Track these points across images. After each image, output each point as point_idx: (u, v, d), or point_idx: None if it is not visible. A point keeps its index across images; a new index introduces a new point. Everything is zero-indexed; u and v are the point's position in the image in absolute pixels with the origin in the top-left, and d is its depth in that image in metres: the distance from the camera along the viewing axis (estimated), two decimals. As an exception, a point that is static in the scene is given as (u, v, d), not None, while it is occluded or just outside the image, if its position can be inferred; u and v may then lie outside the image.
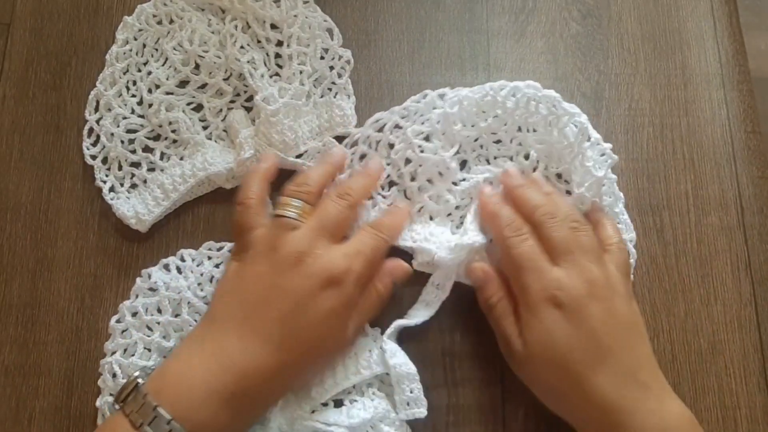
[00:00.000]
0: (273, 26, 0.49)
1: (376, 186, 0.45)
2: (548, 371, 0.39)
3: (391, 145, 0.47)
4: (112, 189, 0.47)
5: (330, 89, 0.49)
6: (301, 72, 0.48)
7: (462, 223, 0.45)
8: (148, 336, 0.43)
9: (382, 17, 0.52)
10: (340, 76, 0.49)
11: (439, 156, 0.45)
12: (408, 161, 0.46)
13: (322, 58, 0.49)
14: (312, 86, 0.48)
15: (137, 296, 0.44)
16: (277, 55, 0.49)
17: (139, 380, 0.36)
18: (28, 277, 0.46)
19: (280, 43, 0.49)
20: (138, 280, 0.45)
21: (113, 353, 0.43)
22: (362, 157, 0.47)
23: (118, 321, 0.44)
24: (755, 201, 0.49)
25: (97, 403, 0.43)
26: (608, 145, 0.45)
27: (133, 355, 0.43)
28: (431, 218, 0.45)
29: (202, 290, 0.44)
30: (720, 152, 0.50)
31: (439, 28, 0.52)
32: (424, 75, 0.50)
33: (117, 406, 0.36)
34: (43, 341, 0.45)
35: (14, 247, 0.47)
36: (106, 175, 0.47)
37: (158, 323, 0.43)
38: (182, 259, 0.46)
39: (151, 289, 0.45)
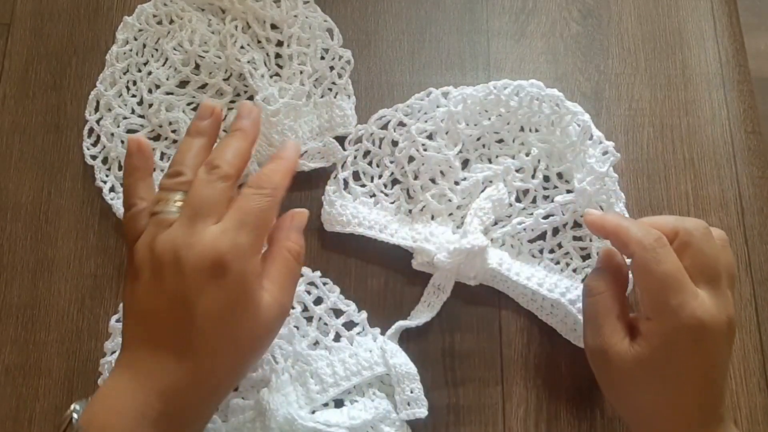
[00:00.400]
0: (273, 26, 0.49)
1: (248, 151, 0.38)
2: (654, 395, 0.36)
3: (395, 143, 0.47)
4: (112, 189, 0.47)
5: (330, 89, 0.49)
6: (301, 72, 0.48)
7: (463, 223, 0.45)
8: None
9: (382, 17, 0.52)
10: (340, 76, 0.49)
11: (443, 155, 0.45)
12: (411, 159, 0.46)
13: (322, 58, 0.49)
14: (312, 86, 0.48)
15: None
16: (278, 56, 0.49)
17: (74, 415, 0.34)
18: (28, 277, 0.46)
19: (280, 44, 0.49)
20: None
21: (113, 353, 0.43)
22: (366, 153, 0.47)
23: (118, 321, 0.44)
24: (755, 201, 0.49)
25: None
26: (610, 143, 0.45)
27: None
28: (432, 217, 0.45)
29: None
30: (720, 152, 0.50)
31: (439, 28, 0.52)
32: (424, 75, 0.50)
33: None
34: (43, 341, 0.45)
35: (14, 247, 0.47)
36: (107, 176, 0.47)
37: None
38: None
39: None
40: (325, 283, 0.45)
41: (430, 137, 0.46)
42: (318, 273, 0.45)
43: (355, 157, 0.47)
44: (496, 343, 0.45)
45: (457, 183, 0.46)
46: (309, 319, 0.44)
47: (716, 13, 0.53)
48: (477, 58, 0.51)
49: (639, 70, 0.52)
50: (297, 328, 0.43)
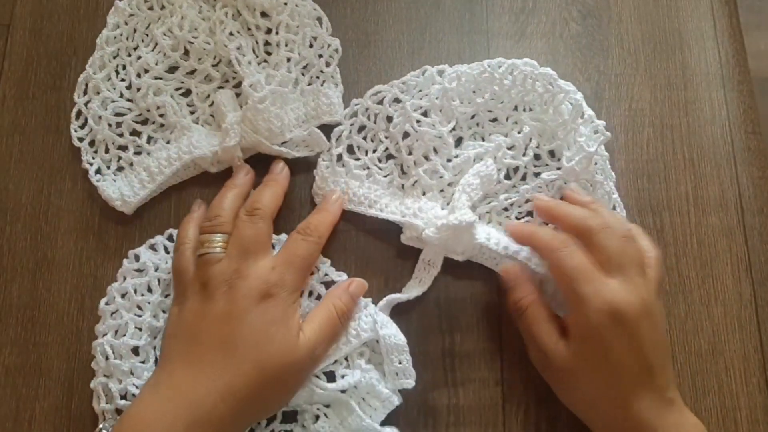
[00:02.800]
0: (263, 14, 0.49)
1: (281, 197, 0.45)
2: (593, 385, 0.39)
3: (390, 118, 0.47)
4: (98, 171, 0.47)
5: (317, 77, 0.49)
6: (288, 59, 0.48)
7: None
8: (139, 316, 0.43)
9: (382, 17, 0.52)
10: (328, 64, 0.49)
11: (437, 130, 0.45)
12: (406, 135, 0.46)
13: (310, 46, 0.49)
14: (300, 74, 0.49)
15: (125, 278, 0.44)
16: (267, 43, 0.49)
17: (104, 431, 0.38)
18: (28, 277, 0.46)
19: (269, 31, 0.49)
20: (125, 261, 0.45)
21: (105, 335, 0.43)
22: (361, 128, 0.48)
23: (107, 303, 0.44)
24: (755, 201, 0.49)
25: (92, 384, 0.42)
26: (602, 122, 0.45)
27: (124, 335, 0.43)
28: (423, 193, 0.46)
29: None
30: (720, 153, 0.50)
31: (439, 28, 0.52)
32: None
33: None
34: (43, 342, 0.45)
35: (14, 248, 0.47)
36: (93, 158, 0.48)
37: (149, 303, 0.44)
38: (170, 239, 0.46)
39: (138, 270, 0.45)
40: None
41: (424, 114, 0.46)
42: None
43: (350, 132, 0.47)
44: (496, 343, 0.45)
45: (449, 160, 0.46)
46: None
47: (716, 13, 0.53)
48: (477, 59, 0.51)
49: (639, 70, 0.52)
50: None
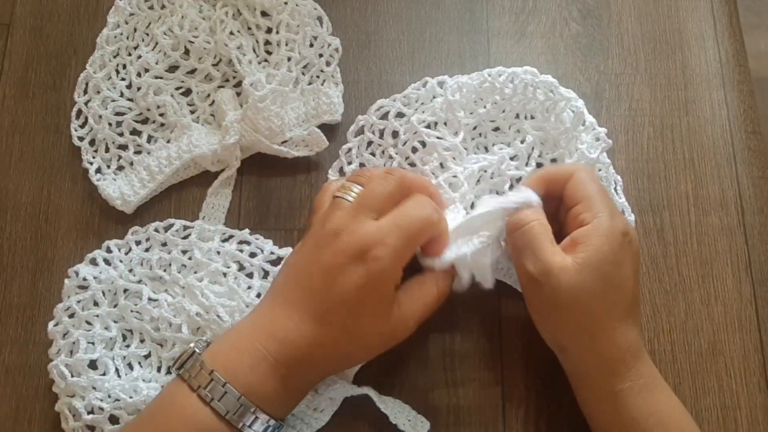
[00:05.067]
0: (264, 14, 0.50)
1: (430, 182, 0.44)
2: (592, 306, 0.39)
3: (395, 133, 0.47)
4: (98, 170, 0.47)
5: (318, 77, 0.49)
6: (289, 59, 0.48)
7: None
8: (89, 330, 0.43)
9: (382, 17, 0.52)
10: (328, 64, 0.49)
11: (449, 142, 0.45)
12: (414, 150, 0.46)
13: (311, 45, 0.49)
14: (300, 73, 0.49)
15: (69, 296, 0.44)
16: (267, 42, 0.49)
17: (196, 349, 0.38)
18: (28, 277, 0.46)
19: (270, 30, 0.49)
20: (66, 280, 0.44)
21: (58, 356, 0.43)
22: (369, 144, 0.47)
23: (55, 324, 0.43)
24: (755, 201, 0.49)
25: (56, 408, 0.42)
26: (603, 129, 0.45)
27: (78, 352, 0.42)
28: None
29: (134, 275, 0.45)
30: (720, 152, 0.50)
31: (439, 28, 0.52)
32: (424, 75, 0.50)
33: (175, 373, 0.37)
34: (43, 341, 0.44)
35: (14, 247, 0.47)
36: (93, 157, 0.48)
37: (97, 316, 0.43)
38: (108, 251, 0.46)
39: (81, 286, 0.44)
40: (257, 238, 0.46)
41: (428, 127, 0.46)
42: (246, 230, 0.46)
43: (359, 148, 0.47)
44: (496, 343, 0.45)
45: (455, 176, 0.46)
46: (250, 275, 0.45)
47: (716, 13, 0.53)
48: (477, 58, 0.51)
49: (639, 70, 0.52)
50: (238, 285, 0.44)
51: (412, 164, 0.46)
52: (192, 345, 0.39)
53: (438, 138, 0.45)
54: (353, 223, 0.38)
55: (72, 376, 0.42)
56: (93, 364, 0.43)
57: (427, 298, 0.40)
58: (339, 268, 0.38)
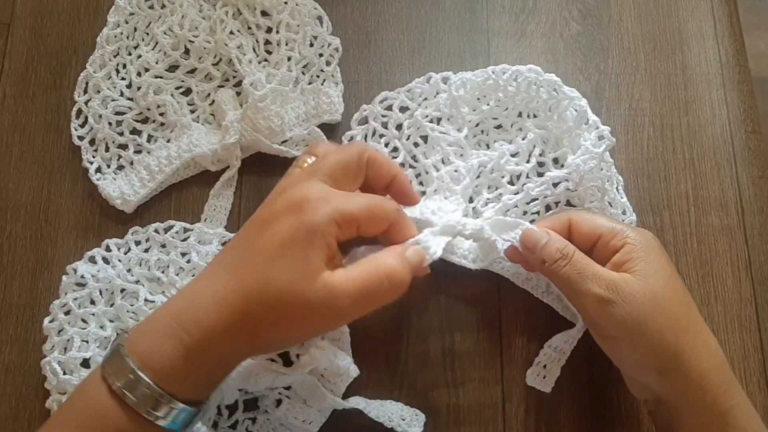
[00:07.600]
0: (264, 13, 0.50)
1: (393, 163, 0.41)
2: (671, 303, 0.38)
3: (399, 126, 0.47)
4: (98, 170, 0.47)
5: (318, 76, 0.49)
6: (289, 58, 0.48)
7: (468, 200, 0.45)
8: (84, 329, 0.43)
9: (382, 17, 0.52)
10: (328, 63, 0.49)
11: (453, 137, 0.45)
12: (416, 145, 0.46)
13: (311, 45, 0.49)
14: (300, 73, 0.49)
15: (66, 293, 0.44)
16: (267, 42, 0.49)
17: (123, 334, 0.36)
18: (28, 276, 0.46)
19: (270, 30, 0.49)
20: (64, 277, 0.44)
21: (52, 352, 0.43)
22: (374, 133, 0.47)
23: (51, 321, 0.43)
24: (755, 201, 0.49)
25: (47, 404, 0.42)
26: (606, 128, 0.45)
27: (71, 350, 0.42)
28: (444, 198, 0.45)
29: (132, 275, 0.45)
30: (720, 152, 0.50)
31: (439, 28, 0.52)
32: (424, 75, 0.50)
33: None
34: (43, 341, 0.44)
35: (14, 247, 0.47)
36: (93, 156, 0.48)
37: (92, 315, 0.43)
38: (107, 249, 0.46)
39: (78, 284, 0.44)
40: None
41: (432, 122, 0.46)
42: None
43: (366, 137, 0.47)
44: (496, 343, 0.45)
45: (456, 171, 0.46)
46: None
47: (716, 13, 0.53)
48: (477, 58, 0.51)
49: (639, 70, 0.52)
50: None
51: (415, 158, 0.46)
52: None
53: (442, 133, 0.45)
54: (301, 182, 0.36)
55: (64, 373, 0.42)
56: (86, 363, 0.43)
57: (366, 275, 0.35)
58: (273, 219, 0.35)
